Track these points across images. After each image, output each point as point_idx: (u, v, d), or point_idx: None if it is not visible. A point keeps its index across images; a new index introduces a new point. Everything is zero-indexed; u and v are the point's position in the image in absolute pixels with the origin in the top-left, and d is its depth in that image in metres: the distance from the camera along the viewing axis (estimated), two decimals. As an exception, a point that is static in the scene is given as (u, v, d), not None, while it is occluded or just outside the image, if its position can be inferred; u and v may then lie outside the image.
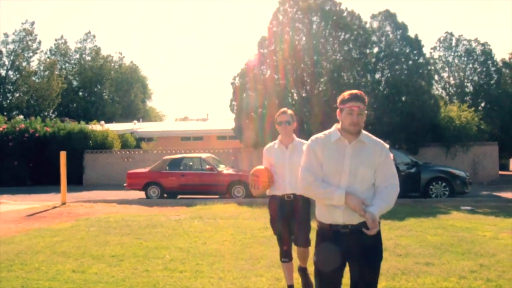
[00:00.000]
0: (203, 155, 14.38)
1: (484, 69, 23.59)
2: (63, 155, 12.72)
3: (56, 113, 38.20)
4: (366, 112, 2.84)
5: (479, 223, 8.51)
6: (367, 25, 18.93)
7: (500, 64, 24.57)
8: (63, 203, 12.39)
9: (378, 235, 2.81)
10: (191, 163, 14.28)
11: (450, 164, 16.40)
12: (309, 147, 2.89)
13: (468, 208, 10.54)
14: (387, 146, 2.90)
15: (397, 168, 12.97)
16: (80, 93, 44.77)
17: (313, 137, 2.94)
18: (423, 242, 6.82)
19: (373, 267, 2.83)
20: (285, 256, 4.33)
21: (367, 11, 64.27)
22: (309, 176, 2.81)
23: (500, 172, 20.62)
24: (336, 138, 2.82)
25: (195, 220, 9.28)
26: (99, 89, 45.09)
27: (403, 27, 18.71)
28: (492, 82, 23.53)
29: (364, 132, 2.87)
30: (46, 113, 35.08)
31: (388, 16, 18.84)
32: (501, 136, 22.01)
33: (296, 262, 4.46)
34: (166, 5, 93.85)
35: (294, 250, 4.38)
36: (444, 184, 12.93)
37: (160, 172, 13.85)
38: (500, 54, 64.43)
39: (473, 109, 19.93)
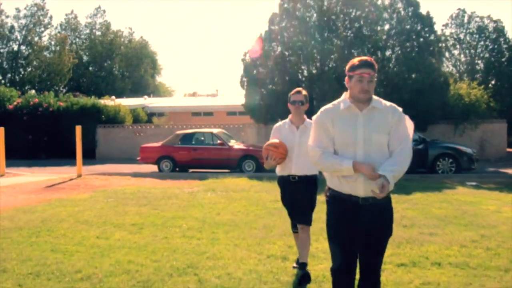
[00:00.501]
0: (215, 130, 14.70)
1: (496, 46, 23.46)
2: (78, 129, 13.09)
3: (66, 88, 38.56)
4: (376, 79, 2.73)
5: (483, 197, 8.78)
6: (379, 2, 18.86)
7: (512, 41, 24.42)
8: (79, 176, 12.81)
9: (390, 212, 2.82)
10: (202, 138, 14.60)
11: (458, 141, 16.58)
12: (318, 119, 2.79)
13: (474, 183, 10.79)
14: (400, 109, 2.79)
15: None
16: (90, 68, 45.04)
17: (321, 109, 2.83)
18: (428, 215, 7.12)
19: (383, 243, 2.84)
20: (296, 227, 4.42)
21: None
22: (317, 150, 2.74)
23: (508, 149, 20.75)
24: (346, 106, 2.73)
25: (208, 193, 9.64)
26: (109, 64, 45.35)
27: (415, 4, 18.61)
28: (503, 59, 23.42)
29: (375, 97, 2.77)
30: (57, 88, 35.43)
31: (400, -7, 18.72)
32: (511, 114, 22.03)
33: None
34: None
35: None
36: (451, 160, 13.16)
37: (173, 147, 14.20)
38: None
39: (483, 86, 19.96)
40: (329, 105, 2.83)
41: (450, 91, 18.70)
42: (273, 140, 4.31)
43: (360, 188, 2.70)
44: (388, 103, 2.80)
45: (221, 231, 6.15)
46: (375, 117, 2.71)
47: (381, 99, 2.79)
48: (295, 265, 4.58)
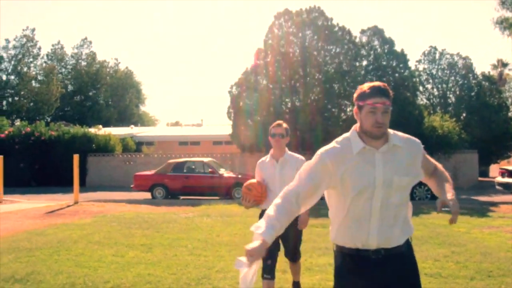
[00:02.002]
0: (205, 159, 15.48)
1: (466, 81, 25.09)
2: (76, 157, 13.69)
3: (51, 118, 38.93)
4: (391, 108, 2.26)
5: (455, 221, 9.71)
6: (357, 40, 20.24)
7: (480, 77, 26.14)
8: (76, 202, 13.32)
9: (414, 260, 2.41)
10: (193, 167, 15.33)
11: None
12: (321, 160, 2.29)
13: (447, 209, 11.69)
14: (418, 140, 2.37)
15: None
16: (76, 98, 45.58)
17: (327, 149, 2.31)
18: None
19: None
20: (268, 272, 4.06)
21: (357, 26, 67.04)
22: (284, 192, 2.34)
23: (480, 178, 22.00)
24: (360, 148, 2.24)
25: (204, 218, 10.33)
26: (94, 94, 46.04)
27: (390, 42, 20.03)
28: (472, 94, 25.06)
29: (390, 131, 2.30)
30: (43, 118, 35.86)
31: (376, 32, 20.15)
32: (481, 145, 23.41)
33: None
34: (163, 13, 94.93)
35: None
36: (426, 188, 14.16)
37: (165, 175, 14.89)
38: (480, 68, 66.97)
39: (454, 119, 21.28)
40: (336, 145, 2.31)
41: (424, 123, 19.96)
42: (251, 181, 4.25)
43: (373, 237, 2.26)
44: (405, 136, 2.35)
45: (224, 250, 6.87)
46: (395, 156, 2.26)
47: (396, 132, 2.34)
48: None
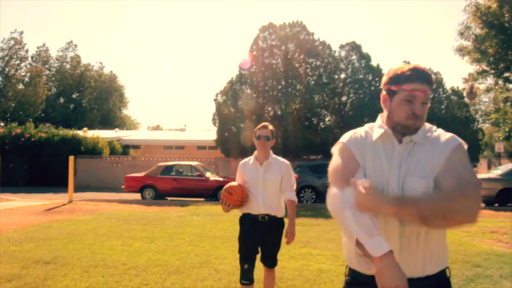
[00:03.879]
0: (193, 163, 16.47)
1: (436, 95, 26.67)
2: (71, 159, 14.48)
3: (34, 119, 39.23)
4: (430, 99, 1.82)
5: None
6: (336, 54, 21.58)
7: (450, 91, 27.85)
8: (70, 201, 14.10)
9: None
10: (181, 170, 16.27)
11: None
12: (345, 147, 1.85)
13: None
14: (457, 138, 1.81)
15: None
16: (60, 100, 45.94)
17: (346, 136, 1.91)
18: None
19: None
20: (246, 278, 3.99)
21: (336, 41, 69.45)
22: (338, 196, 1.71)
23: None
24: (380, 133, 1.80)
25: (194, 216, 11.30)
26: (78, 97, 46.48)
27: (367, 57, 21.43)
28: (442, 107, 26.68)
29: (427, 125, 1.84)
30: (27, 119, 36.20)
31: (354, 47, 21.53)
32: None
33: None
34: (151, 19, 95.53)
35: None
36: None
37: (155, 177, 15.80)
38: (450, 82, 70.64)
39: (425, 130, 22.68)
40: (356, 131, 1.93)
41: (397, 133, 21.32)
42: (231, 183, 4.07)
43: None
44: (440, 132, 1.85)
45: (218, 242, 7.87)
46: (419, 152, 1.76)
47: (433, 126, 1.88)
48: None
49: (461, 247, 7.69)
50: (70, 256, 6.52)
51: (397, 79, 1.79)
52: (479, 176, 15.37)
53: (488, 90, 24.74)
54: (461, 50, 22.29)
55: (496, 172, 15.59)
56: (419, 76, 1.75)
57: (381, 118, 1.90)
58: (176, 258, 6.59)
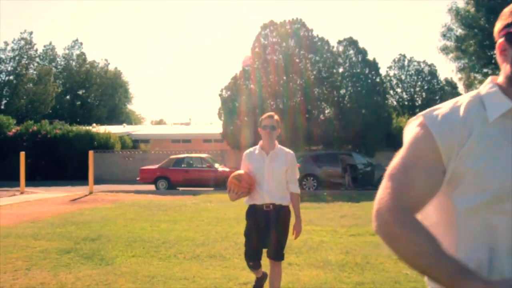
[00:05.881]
0: (203, 155, 17.65)
1: (430, 86, 27.83)
2: (91, 154, 15.62)
3: (42, 116, 40.48)
4: None
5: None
6: (334, 49, 22.65)
7: (443, 82, 29.03)
8: (91, 192, 15.26)
9: None
10: (191, 162, 17.45)
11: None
12: (428, 134, 1.18)
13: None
14: None
15: (356, 167, 16.68)
16: (67, 97, 47.24)
17: (433, 114, 1.21)
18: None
19: None
20: (254, 267, 4.19)
21: (334, 37, 71.79)
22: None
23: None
24: (505, 110, 1.11)
25: (207, 203, 12.46)
26: (84, 93, 47.77)
27: (364, 52, 22.50)
28: (436, 97, 27.84)
29: None
30: (37, 117, 37.45)
31: (351, 42, 22.59)
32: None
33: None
34: (153, 17, 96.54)
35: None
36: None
37: (168, 169, 16.99)
38: (443, 74, 72.84)
39: (420, 120, 23.86)
40: (449, 106, 1.20)
41: (393, 123, 22.50)
42: (238, 171, 4.06)
43: None
44: None
45: (234, 222, 9.03)
46: None
47: None
48: None
49: None
50: (111, 234, 7.70)
51: None
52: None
53: (469, 85, 26.42)
54: (444, 49, 24.11)
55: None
56: None
57: (494, 84, 1.18)
58: (200, 234, 7.77)
